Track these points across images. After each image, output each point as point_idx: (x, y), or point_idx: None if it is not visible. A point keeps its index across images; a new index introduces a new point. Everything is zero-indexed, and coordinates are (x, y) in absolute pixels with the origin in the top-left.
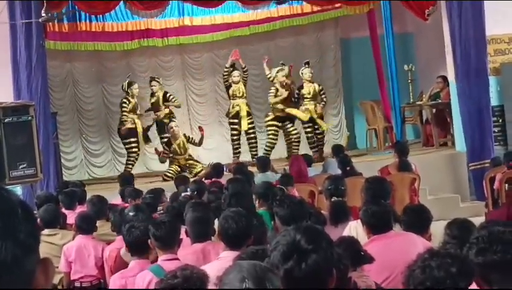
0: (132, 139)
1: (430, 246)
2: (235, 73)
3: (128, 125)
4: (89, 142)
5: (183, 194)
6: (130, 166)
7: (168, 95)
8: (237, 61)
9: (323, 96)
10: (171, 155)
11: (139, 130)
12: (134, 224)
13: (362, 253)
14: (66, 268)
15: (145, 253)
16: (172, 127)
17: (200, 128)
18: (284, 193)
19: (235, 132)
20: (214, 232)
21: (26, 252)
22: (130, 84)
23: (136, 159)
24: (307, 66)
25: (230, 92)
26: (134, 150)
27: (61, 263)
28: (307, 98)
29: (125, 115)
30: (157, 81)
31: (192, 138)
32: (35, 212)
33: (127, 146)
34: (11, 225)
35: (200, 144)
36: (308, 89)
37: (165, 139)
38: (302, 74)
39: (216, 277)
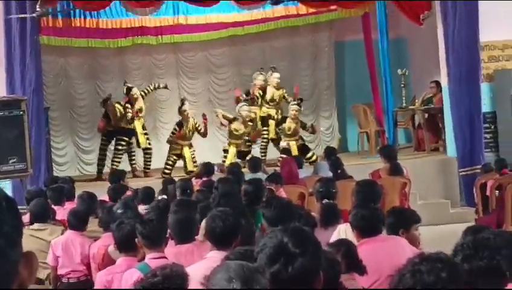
0: (125, 138)
1: (419, 252)
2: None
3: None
4: (81, 138)
5: (159, 197)
6: (117, 163)
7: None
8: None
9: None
10: (177, 141)
11: (139, 130)
12: (124, 220)
13: (358, 261)
14: (53, 262)
15: (133, 250)
16: (185, 110)
17: (204, 116)
18: (272, 194)
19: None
20: (197, 232)
21: (10, 244)
22: (129, 90)
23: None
24: (273, 70)
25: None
26: (124, 148)
27: (49, 256)
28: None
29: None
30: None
31: (199, 126)
32: (24, 207)
33: (118, 141)
34: None
35: (205, 134)
36: (272, 93)
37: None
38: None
39: (203, 276)
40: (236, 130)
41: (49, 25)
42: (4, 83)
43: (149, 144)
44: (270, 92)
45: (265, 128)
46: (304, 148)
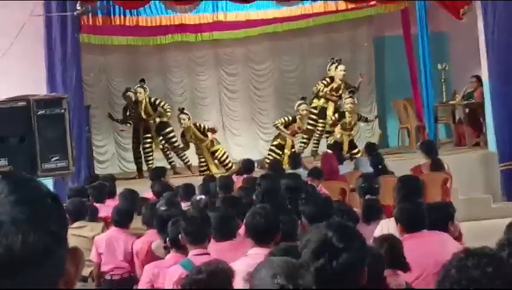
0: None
1: (462, 248)
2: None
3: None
4: (121, 136)
5: (199, 197)
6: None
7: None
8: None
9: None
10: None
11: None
12: (179, 218)
13: (403, 258)
14: (96, 259)
15: (185, 248)
16: (183, 119)
17: (213, 130)
18: (312, 190)
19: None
20: (239, 229)
21: (56, 241)
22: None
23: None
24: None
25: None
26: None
27: (92, 253)
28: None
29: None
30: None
31: (203, 127)
32: (64, 204)
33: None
34: (42, 214)
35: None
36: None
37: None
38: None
39: (246, 273)
40: (299, 128)
41: (89, 24)
42: (45, 81)
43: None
44: (336, 83)
45: (321, 120)
46: (351, 144)
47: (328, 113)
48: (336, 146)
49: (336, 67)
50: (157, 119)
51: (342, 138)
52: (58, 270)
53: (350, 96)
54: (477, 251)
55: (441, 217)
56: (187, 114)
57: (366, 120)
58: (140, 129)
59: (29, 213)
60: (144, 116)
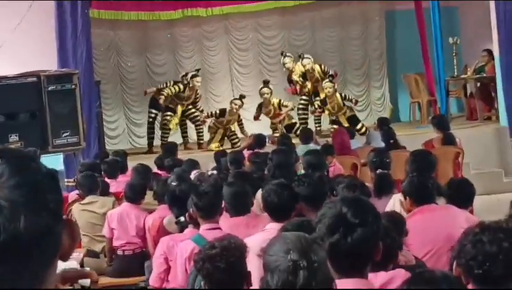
0: (169, 113)
1: (474, 220)
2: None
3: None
4: (132, 111)
5: (209, 172)
6: (166, 138)
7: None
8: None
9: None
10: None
11: (177, 118)
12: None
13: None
14: (109, 234)
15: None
16: (266, 93)
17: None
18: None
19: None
20: (252, 204)
21: (56, 220)
22: (194, 76)
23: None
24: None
25: None
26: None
27: (104, 227)
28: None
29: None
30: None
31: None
32: (71, 179)
33: (164, 118)
34: (41, 195)
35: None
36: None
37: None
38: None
39: (260, 248)
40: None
41: None
42: (56, 57)
43: (197, 116)
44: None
45: (317, 98)
46: (353, 120)
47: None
48: (337, 123)
49: (301, 62)
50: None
51: (337, 118)
52: (56, 245)
53: (329, 81)
54: (491, 226)
55: (463, 194)
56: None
57: (350, 100)
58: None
59: (29, 196)
60: (187, 102)
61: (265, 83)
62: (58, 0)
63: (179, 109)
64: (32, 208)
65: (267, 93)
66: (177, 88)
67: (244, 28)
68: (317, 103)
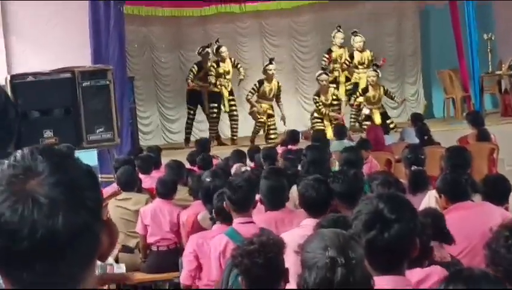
0: (215, 104)
1: (510, 217)
2: None
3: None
4: (165, 107)
5: (243, 169)
6: (214, 132)
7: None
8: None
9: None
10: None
11: (225, 94)
12: (225, 190)
13: (446, 231)
14: (142, 231)
15: (230, 219)
16: (271, 70)
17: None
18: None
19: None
20: (287, 199)
21: (93, 217)
22: (218, 48)
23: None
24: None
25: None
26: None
27: (138, 224)
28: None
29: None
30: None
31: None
32: (110, 175)
33: (210, 110)
34: (80, 193)
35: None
36: (361, 56)
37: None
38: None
39: (297, 244)
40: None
41: None
42: (90, 53)
43: (235, 110)
44: (357, 55)
45: (355, 95)
46: (384, 116)
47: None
48: (369, 119)
49: (353, 39)
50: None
51: (371, 112)
52: (95, 244)
53: (374, 70)
54: None
55: (499, 191)
56: (328, 75)
57: (391, 97)
58: (204, 96)
59: (68, 193)
60: (224, 75)
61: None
62: None
63: (224, 91)
64: (71, 206)
65: (325, 80)
66: (214, 65)
67: (278, 25)
68: (358, 92)
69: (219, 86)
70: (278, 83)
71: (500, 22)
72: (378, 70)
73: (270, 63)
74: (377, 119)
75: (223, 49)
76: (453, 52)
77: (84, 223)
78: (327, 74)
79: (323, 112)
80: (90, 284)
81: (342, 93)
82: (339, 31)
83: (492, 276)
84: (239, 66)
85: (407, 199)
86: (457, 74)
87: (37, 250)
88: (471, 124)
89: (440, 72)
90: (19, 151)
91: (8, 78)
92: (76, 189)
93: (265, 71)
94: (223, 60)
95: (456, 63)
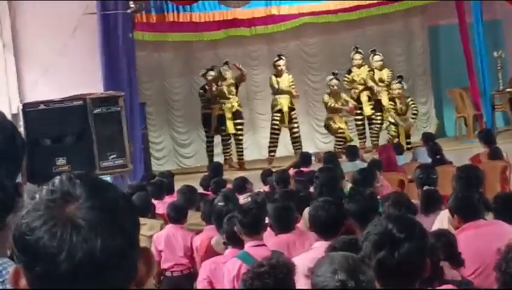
0: (222, 127)
1: None
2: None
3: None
4: (178, 132)
5: (256, 191)
6: (228, 155)
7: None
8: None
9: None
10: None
11: (227, 116)
12: (235, 214)
13: (457, 253)
14: (156, 256)
15: (242, 243)
16: (279, 65)
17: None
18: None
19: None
20: (297, 221)
21: (130, 243)
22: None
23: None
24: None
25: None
26: (226, 137)
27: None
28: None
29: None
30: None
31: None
32: None
33: (220, 133)
34: (117, 218)
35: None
36: (380, 74)
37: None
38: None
39: (308, 268)
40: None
41: (143, 21)
42: (101, 79)
43: (240, 133)
44: (377, 73)
45: (378, 113)
46: (407, 133)
47: (383, 102)
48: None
49: (372, 58)
50: (236, 103)
51: (397, 121)
52: (132, 271)
53: (398, 82)
54: None
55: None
56: (339, 80)
57: (414, 112)
58: (213, 116)
59: (106, 218)
60: (228, 95)
61: (334, 75)
62: (102, 25)
63: (227, 112)
64: (109, 229)
65: (336, 85)
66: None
67: (287, 47)
68: (390, 104)
69: (223, 108)
70: (290, 76)
71: (510, 39)
72: (403, 83)
73: (280, 58)
74: (402, 137)
75: (225, 67)
76: (464, 71)
77: (121, 249)
78: (338, 79)
79: (333, 106)
80: None
81: (367, 112)
82: (357, 51)
83: None
84: (240, 65)
85: (416, 220)
86: (468, 93)
87: (75, 274)
88: (483, 143)
89: (451, 91)
90: (57, 177)
91: (21, 107)
92: (113, 213)
93: (274, 66)
94: (224, 79)
95: (467, 81)
